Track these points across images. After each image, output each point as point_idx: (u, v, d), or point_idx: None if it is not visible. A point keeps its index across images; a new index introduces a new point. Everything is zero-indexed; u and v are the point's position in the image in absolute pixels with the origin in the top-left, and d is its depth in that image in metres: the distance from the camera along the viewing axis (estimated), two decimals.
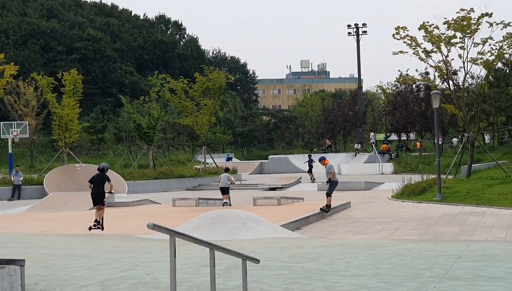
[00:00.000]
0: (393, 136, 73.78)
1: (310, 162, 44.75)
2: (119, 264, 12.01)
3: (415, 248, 13.65)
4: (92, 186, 18.48)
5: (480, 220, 20.26)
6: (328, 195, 22.66)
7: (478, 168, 36.22)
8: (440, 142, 40.95)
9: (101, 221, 18.45)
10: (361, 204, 27.15)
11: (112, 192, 19.41)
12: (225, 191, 27.34)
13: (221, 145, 77.38)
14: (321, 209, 22.56)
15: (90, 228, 18.47)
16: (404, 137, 69.10)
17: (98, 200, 18.45)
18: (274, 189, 38.59)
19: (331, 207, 22.94)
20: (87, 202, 27.83)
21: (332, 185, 22.75)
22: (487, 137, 60.57)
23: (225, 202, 26.76)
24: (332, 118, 77.20)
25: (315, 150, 72.24)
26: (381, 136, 73.71)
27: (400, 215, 22.60)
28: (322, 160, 23.80)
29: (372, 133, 68.36)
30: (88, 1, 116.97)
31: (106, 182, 18.40)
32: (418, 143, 64.51)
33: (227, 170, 29.76)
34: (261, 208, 24.63)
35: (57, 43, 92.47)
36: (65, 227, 21.02)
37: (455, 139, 67.99)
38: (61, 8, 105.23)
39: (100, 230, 18.36)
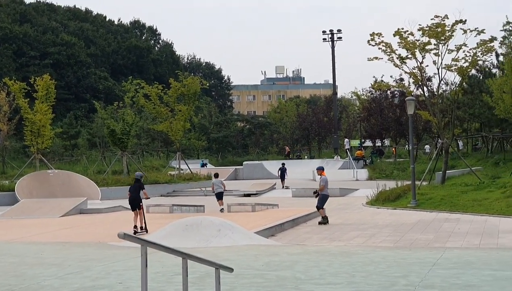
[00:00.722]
0: (368, 143, 74.03)
1: (284, 170, 44.60)
2: (91, 272, 11.81)
3: (390, 256, 13.60)
4: (130, 193, 20.48)
5: (455, 227, 20.31)
6: (318, 208, 22.42)
7: (452, 174, 36.41)
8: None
9: (144, 225, 19.76)
10: (336, 211, 27.08)
11: (148, 197, 21.57)
12: (220, 196, 27.63)
13: (195, 151, 77.11)
14: (319, 223, 22.32)
15: (134, 233, 19.12)
16: (378, 143, 69.35)
17: (134, 204, 20.03)
18: (248, 195, 38.52)
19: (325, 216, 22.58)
20: (59, 209, 27.64)
21: (321, 199, 22.40)
22: (460, 144, 61.04)
23: (222, 208, 26.92)
24: (307, 124, 77.15)
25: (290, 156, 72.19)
26: (355, 142, 73.90)
27: (375, 222, 22.58)
28: (319, 170, 23.63)
29: (346, 140, 68.55)
30: (62, 6, 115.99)
31: (141, 189, 20.41)
32: (393, 149, 64.77)
33: (216, 175, 29.78)
34: (235, 214, 24.52)
35: (30, 48, 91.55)
36: (36, 234, 20.70)
37: (427, 146, 68.34)
38: (34, 12, 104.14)
39: (145, 233, 19.28)
